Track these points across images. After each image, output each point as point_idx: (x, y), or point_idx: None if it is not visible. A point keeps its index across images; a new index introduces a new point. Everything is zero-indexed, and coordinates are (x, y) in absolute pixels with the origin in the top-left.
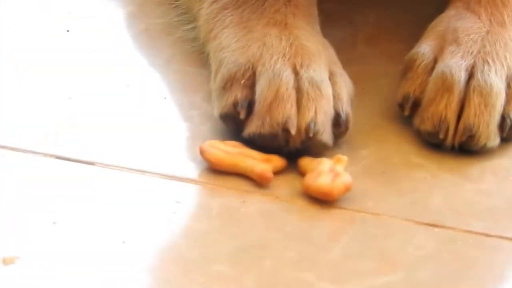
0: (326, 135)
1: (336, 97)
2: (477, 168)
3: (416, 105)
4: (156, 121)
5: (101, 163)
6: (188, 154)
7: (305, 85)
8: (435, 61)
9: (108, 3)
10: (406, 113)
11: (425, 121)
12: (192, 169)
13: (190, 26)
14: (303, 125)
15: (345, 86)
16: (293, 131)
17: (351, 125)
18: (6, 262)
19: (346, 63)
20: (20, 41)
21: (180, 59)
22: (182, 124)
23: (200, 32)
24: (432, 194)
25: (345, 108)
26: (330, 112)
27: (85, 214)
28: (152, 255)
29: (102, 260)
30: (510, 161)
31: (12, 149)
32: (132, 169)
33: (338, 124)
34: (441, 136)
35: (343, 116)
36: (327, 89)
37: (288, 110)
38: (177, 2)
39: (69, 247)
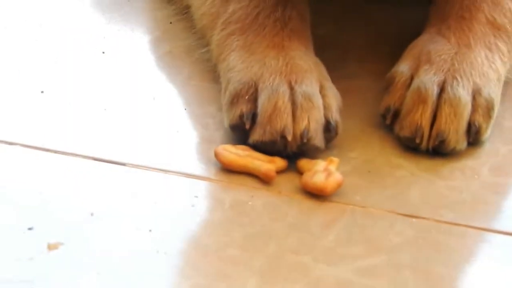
0: (318, 140)
1: (326, 107)
2: (447, 168)
3: (396, 115)
4: (177, 128)
5: (131, 164)
6: (204, 156)
7: (299, 98)
8: (411, 78)
9: (137, 30)
10: (388, 122)
11: (404, 128)
12: (208, 169)
13: (205, 49)
14: (298, 132)
15: (334, 97)
16: (289, 137)
17: (340, 130)
18: (50, 248)
19: (337, 79)
20: (66, 60)
21: (198, 76)
22: (200, 130)
23: (212, 54)
24: (410, 190)
25: (335, 116)
26: (321, 120)
27: (118, 207)
28: (174, 242)
29: (132, 246)
30: (475, 162)
31: (55, 152)
32: (156, 169)
33: (329, 130)
34: (417, 141)
35: (332, 123)
36: (318, 101)
37: (285, 120)
38: (195, 29)
39: (104, 235)
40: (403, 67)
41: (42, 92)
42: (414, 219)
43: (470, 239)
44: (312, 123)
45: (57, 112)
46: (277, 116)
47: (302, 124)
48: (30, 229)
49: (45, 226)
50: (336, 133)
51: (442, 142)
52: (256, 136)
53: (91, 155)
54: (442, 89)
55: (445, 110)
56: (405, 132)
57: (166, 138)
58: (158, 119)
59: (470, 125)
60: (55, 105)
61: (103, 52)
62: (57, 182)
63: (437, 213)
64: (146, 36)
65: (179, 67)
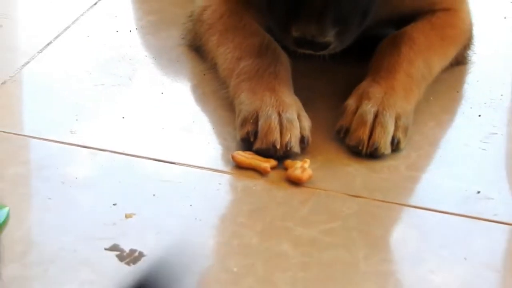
0: (296, 148)
1: (301, 127)
2: (378, 165)
3: (346, 132)
4: (208, 140)
5: (179, 163)
6: (225, 158)
7: (284, 122)
8: (357, 108)
9: (183, 78)
10: (341, 136)
11: (352, 140)
12: (227, 166)
13: (225, 90)
14: (284, 144)
15: (307, 121)
16: (278, 147)
17: (310, 142)
18: (127, 216)
19: (308, 110)
20: (135, 94)
21: (220, 107)
22: (222, 142)
23: (230, 94)
24: (355, 179)
25: (307, 133)
26: (298, 136)
27: (169, 191)
28: (205, 213)
29: (180, 216)
30: (396, 162)
31: (117, 153)
32: (196, 166)
33: (303, 142)
34: (360, 148)
35: (305, 138)
36: (297, 124)
37: (275, 136)
38: (219, 78)
39: (161, 209)
40: (351, 101)
41: (123, 118)
42: (358, 198)
43: (394, 212)
44: (292, 138)
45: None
46: (270, 133)
47: (286, 138)
48: (114, 204)
49: (124, 202)
50: (308, 144)
51: (376, 149)
52: (257, 145)
53: (145, 155)
54: (376, 116)
55: (378, 129)
56: (353, 143)
57: (201, 147)
58: (196, 135)
59: (393, 139)
60: (136, 129)
61: (162, 93)
62: (130, 177)
63: (372, 195)
64: (189, 83)
65: (209, 102)
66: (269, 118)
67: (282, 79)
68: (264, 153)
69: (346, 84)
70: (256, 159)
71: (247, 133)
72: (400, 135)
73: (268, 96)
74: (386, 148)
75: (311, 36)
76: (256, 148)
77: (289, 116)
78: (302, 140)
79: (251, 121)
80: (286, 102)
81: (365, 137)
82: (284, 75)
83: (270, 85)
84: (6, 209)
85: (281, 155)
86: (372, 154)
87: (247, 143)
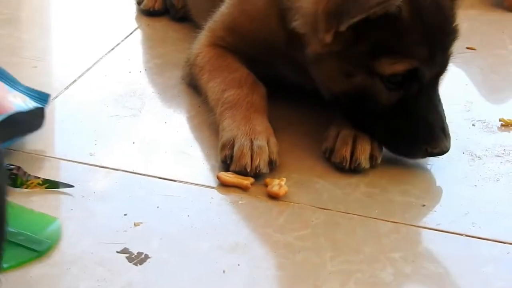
0: (265, 170)
1: (270, 152)
2: (342, 183)
3: (331, 152)
4: (203, 162)
5: (179, 180)
6: (212, 177)
7: (255, 148)
8: (338, 133)
9: (181, 110)
10: (327, 156)
11: (336, 158)
12: (218, 183)
13: (213, 116)
14: (253, 167)
15: (275, 146)
16: (248, 170)
17: (278, 164)
18: (136, 225)
19: (286, 135)
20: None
21: (214, 135)
22: (214, 163)
23: (216, 120)
24: (323, 194)
25: (275, 157)
26: (267, 159)
27: (174, 203)
28: (200, 219)
29: (179, 223)
30: (357, 180)
31: (128, 172)
32: (192, 183)
33: (271, 164)
34: (344, 164)
35: (273, 160)
36: (266, 149)
37: (246, 160)
38: (209, 107)
39: (164, 219)
40: (333, 127)
41: (133, 143)
42: (325, 210)
43: (355, 221)
44: (261, 162)
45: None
46: (243, 158)
47: (256, 162)
48: (125, 214)
49: (133, 213)
50: (275, 165)
51: (358, 164)
52: (232, 167)
53: (152, 174)
54: (355, 139)
55: (359, 148)
56: (337, 160)
57: (197, 167)
58: (193, 157)
59: (371, 155)
60: (144, 152)
61: (165, 122)
62: (138, 192)
63: (337, 207)
64: (187, 114)
65: (204, 130)
66: (242, 145)
67: (257, 107)
68: (239, 174)
69: (317, 114)
70: (237, 177)
71: (225, 156)
72: (376, 153)
73: (243, 124)
74: (366, 163)
75: (446, 148)
76: (231, 169)
77: (259, 143)
78: (270, 162)
79: (228, 146)
80: (258, 130)
81: (348, 155)
82: (259, 103)
83: (247, 114)
84: (57, 221)
85: (252, 176)
86: (355, 169)
87: (225, 165)
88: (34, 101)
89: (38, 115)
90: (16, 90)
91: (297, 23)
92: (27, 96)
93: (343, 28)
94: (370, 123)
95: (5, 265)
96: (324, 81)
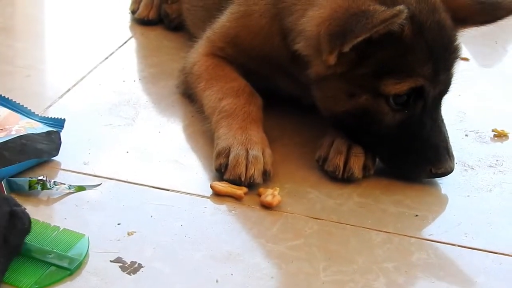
0: (259, 180)
1: (265, 162)
2: (335, 193)
3: (324, 160)
4: (196, 171)
5: (172, 189)
6: (206, 186)
7: (250, 157)
8: (332, 142)
9: (176, 119)
10: (320, 164)
11: (330, 167)
12: (211, 193)
13: (209, 125)
14: (248, 177)
15: (270, 157)
16: (243, 179)
17: (272, 174)
18: (129, 234)
19: (279, 145)
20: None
21: (208, 144)
22: (208, 172)
23: (212, 129)
24: (316, 204)
25: (269, 167)
26: (262, 169)
27: (167, 213)
28: (195, 227)
29: (173, 233)
30: (349, 190)
31: (122, 181)
32: (186, 193)
33: (265, 174)
34: (337, 173)
35: (267, 171)
36: (261, 159)
37: (241, 170)
38: (204, 115)
39: (157, 228)
40: (328, 137)
41: (127, 152)
42: (318, 220)
43: (348, 231)
44: (256, 172)
45: (130, 159)
46: (238, 167)
47: (251, 172)
48: (118, 224)
49: (127, 222)
50: (270, 176)
51: (351, 174)
52: (226, 176)
53: (148, 183)
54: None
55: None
56: (330, 168)
57: (190, 176)
58: (186, 167)
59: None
60: (137, 162)
61: (159, 132)
62: (132, 201)
63: (330, 217)
64: (181, 123)
65: (197, 140)
66: (238, 154)
67: (254, 117)
68: (233, 183)
69: (311, 125)
70: (231, 187)
71: (220, 165)
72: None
73: (240, 134)
74: (359, 173)
75: (450, 169)
76: (225, 178)
77: (255, 153)
78: (265, 173)
79: (223, 155)
80: (254, 140)
81: (341, 164)
82: (256, 114)
83: (243, 123)
84: (85, 238)
85: (246, 186)
86: (348, 179)
87: (220, 174)
88: (49, 127)
89: (53, 140)
90: (30, 119)
91: (300, 45)
92: (41, 123)
93: (346, 48)
94: (373, 143)
95: (36, 287)
96: (326, 101)
